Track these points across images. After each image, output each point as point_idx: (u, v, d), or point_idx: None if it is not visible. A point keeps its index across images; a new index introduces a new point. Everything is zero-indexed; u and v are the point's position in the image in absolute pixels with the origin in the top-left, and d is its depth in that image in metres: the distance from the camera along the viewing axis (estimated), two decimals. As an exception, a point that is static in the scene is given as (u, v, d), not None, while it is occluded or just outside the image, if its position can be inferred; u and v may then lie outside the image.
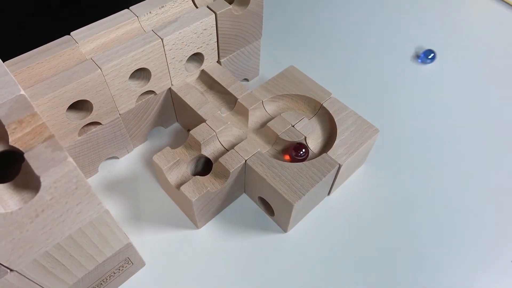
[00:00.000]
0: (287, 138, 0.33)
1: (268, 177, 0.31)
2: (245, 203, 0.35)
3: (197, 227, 0.34)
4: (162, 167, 0.31)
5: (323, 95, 0.36)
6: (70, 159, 0.18)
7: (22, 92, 0.20)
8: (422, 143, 0.40)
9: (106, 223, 0.24)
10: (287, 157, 0.33)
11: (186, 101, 0.35)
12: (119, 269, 0.29)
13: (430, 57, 0.34)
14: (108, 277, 0.29)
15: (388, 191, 0.36)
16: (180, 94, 0.36)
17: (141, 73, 0.33)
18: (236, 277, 0.31)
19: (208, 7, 0.34)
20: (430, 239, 0.34)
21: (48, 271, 0.23)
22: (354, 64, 0.47)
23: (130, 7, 0.34)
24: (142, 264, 0.31)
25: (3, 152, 0.20)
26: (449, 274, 0.32)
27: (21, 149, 0.19)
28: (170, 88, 0.36)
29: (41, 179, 0.17)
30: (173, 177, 0.32)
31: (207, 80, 0.38)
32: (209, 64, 0.38)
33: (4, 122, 0.19)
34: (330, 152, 0.32)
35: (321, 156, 0.32)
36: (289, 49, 0.48)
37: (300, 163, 0.31)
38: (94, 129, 0.33)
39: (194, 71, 0.37)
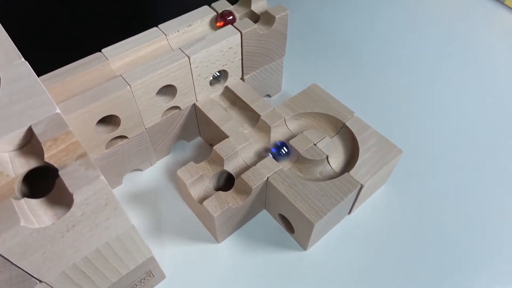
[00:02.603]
0: (309, 157, 0.33)
1: (290, 195, 0.31)
2: (265, 219, 0.36)
3: (218, 241, 0.34)
4: (185, 181, 0.32)
5: (345, 113, 0.36)
6: (102, 177, 0.19)
7: (58, 110, 0.21)
8: (445, 164, 0.39)
9: (132, 238, 0.24)
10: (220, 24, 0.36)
11: (210, 117, 0.36)
12: (141, 282, 0.30)
13: (283, 151, 0.31)
14: (131, 289, 0.29)
15: (409, 211, 0.36)
16: (204, 110, 0.36)
17: (168, 89, 0.34)
18: (254, 293, 0.32)
19: (234, 26, 0.35)
20: (451, 261, 0.33)
21: (74, 283, 0.23)
22: (378, 83, 0.47)
23: (159, 25, 0.35)
24: (162, 276, 0.32)
25: (38, 168, 0.21)
26: (472, 300, 0.31)
27: (55, 165, 0.20)
28: (194, 104, 0.37)
29: (74, 197, 0.18)
30: (196, 192, 0.32)
31: (230, 96, 0.39)
32: (233, 81, 0.38)
33: (40, 139, 0.20)
34: (352, 172, 0.32)
35: (343, 175, 0.32)
36: (312, 66, 0.48)
37: (322, 183, 0.32)
38: (120, 142, 0.34)
39: (218, 87, 0.38)
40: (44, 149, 0.20)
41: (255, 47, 0.37)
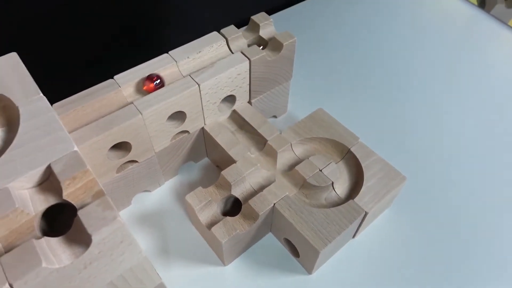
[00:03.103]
0: (315, 183, 0.34)
1: (296, 222, 0.31)
2: (270, 241, 0.36)
3: (224, 265, 0.35)
4: (194, 207, 0.32)
5: (350, 139, 0.37)
6: (119, 218, 0.20)
7: (76, 148, 0.22)
8: (448, 188, 0.40)
9: (143, 267, 0.25)
10: (148, 87, 0.33)
11: (217, 141, 0.37)
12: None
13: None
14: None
15: (413, 234, 0.37)
16: (212, 134, 0.37)
17: (177, 115, 0.35)
18: (260, 317, 0.32)
19: (242, 53, 0.36)
20: (456, 282, 0.34)
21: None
22: (382, 107, 0.47)
23: (169, 52, 0.36)
24: (170, 300, 0.33)
25: (54, 205, 0.22)
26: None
27: (73, 202, 0.21)
28: (203, 127, 0.38)
29: (93, 237, 0.19)
30: (204, 217, 0.33)
31: (237, 119, 0.39)
32: (240, 105, 0.39)
33: (59, 178, 0.21)
34: (356, 199, 0.33)
35: (347, 203, 0.33)
36: (317, 87, 0.49)
37: (327, 209, 0.32)
38: (131, 166, 0.35)
39: (225, 111, 0.39)
40: (63, 188, 0.21)
41: (263, 73, 0.38)
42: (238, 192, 0.34)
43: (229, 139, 0.37)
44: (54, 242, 0.20)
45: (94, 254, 0.20)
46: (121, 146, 0.34)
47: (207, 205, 0.33)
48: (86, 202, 0.21)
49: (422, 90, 0.49)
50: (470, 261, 0.35)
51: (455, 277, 0.34)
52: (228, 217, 0.32)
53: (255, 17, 0.39)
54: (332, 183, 0.34)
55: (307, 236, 0.31)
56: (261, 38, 0.39)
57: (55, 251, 0.19)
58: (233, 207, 0.36)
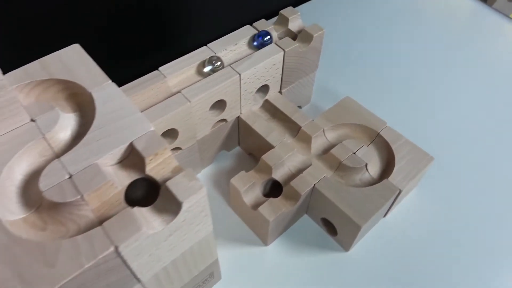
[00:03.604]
0: (350, 165, 0.36)
1: (336, 200, 0.34)
2: (306, 223, 0.38)
3: (266, 244, 0.37)
4: (240, 189, 0.34)
5: (378, 124, 0.39)
6: (204, 187, 0.21)
7: (153, 128, 0.24)
8: (472, 167, 0.43)
9: (208, 241, 0.27)
10: None
11: (254, 128, 0.39)
12: (204, 282, 0.32)
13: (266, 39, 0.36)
14: (196, 288, 0.32)
15: (440, 212, 0.39)
16: (248, 122, 0.39)
17: (218, 104, 0.37)
18: (304, 291, 0.34)
19: (277, 44, 0.38)
20: (482, 258, 0.36)
21: (161, 283, 0.26)
22: (396, 99, 0.50)
23: (208, 44, 0.38)
24: (219, 278, 0.34)
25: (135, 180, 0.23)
26: (502, 294, 0.34)
27: (155, 177, 0.23)
28: (239, 116, 0.40)
29: (183, 205, 0.21)
30: (248, 198, 0.35)
31: (270, 108, 0.41)
32: (272, 94, 0.41)
33: (143, 155, 0.22)
34: (390, 178, 0.35)
35: (382, 182, 0.35)
36: (340, 78, 0.51)
37: (364, 188, 0.34)
38: (174, 154, 0.37)
39: (259, 101, 0.41)
40: (146, 163, 0.23)
41: (294, 63, 0.40)
42: (278, 175, 0.36)
43: (265, 127, 0.39)
44: (145, 211, 0.21)
45: (180, 221, 0.22)
46: (167, 135, 0.35)
47: (251, 188, 0.35)
48: (166, 177, 0.23)
49: (433, 79, 0.52)
50: (496, 238, 0.38)
51: (481, 254, 0.37)
52: (272, 198, 0.34)
53: (283, 11, 0.41)
54: (366, 165, 0.37)
55: (348, 213, 0.33)
56: (289, 31, 0.41)
57: (146, 219, 0.21)
58: (271, 190, 0.38)
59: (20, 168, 0.23)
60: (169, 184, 0.21)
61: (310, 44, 0.40)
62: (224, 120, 0.39)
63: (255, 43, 0.38)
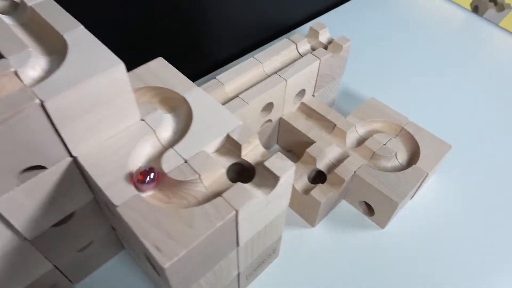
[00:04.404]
0: (383, 154, 0.42)
1: (375, 183, 0.40)
2: (344, 207, 0.44)
3: (313, 226, 0.42)
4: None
5: (402, 119, 0.46)
6: (294, 165, 0.27)
7: (241, 122, 0.30)
8: (485, 154, 0.49)
9: (282, 216, 0.32)
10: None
11: (297, 127, 0.45)
12: (268, 257, 0.37)
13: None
14: (261, 263, 0.37)
15: (459, 195, 0.45)
16: (290, 121, 0.45)
17: (267, 106, 0.43)
18: (350, 265, 0.40)
19: (313, 54, 0.44)
20: (497, 233, 0.42)
21: (245, 251, 0.31)
22: (413, 93, 0.57)
23: (254, 56, 0.44)
24: (277, 255, 0.40)
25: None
26: (517, 257, 0.40)
27: (249, 160, 0.29)
28: (281, 117, 0.46)
29: (280, 179, 0.26)
30: (298, 185, 0.41)
31: (305, 110, 0.47)
32: (307, 97, 0.47)
33: (240, 143, 0.28)
34: (418, 164, 0.41)
35: (411, 167, 0.41)
36: (359, 81, 0.58)
37: (396, 173, 0.41)
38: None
39: (296, 103, 0.47)
40: (242, 149, 0.28)
41: (326, 70, 0.46)
42: (321, 165, 0.42)
43: (305, 125, 0.45)
44: (247, 186, 0.27)
45: (276, 193, 0.27)
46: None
47: (300, 177, 0.41)
48: (257, 160, 0.28)
49: (438, 81, 0.59)
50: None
51: (498, 235, 0.43)
52: (320, 184, 0.40)
53: (314, 26, 0.47)
54: (396, 154, 0.43)
55: (386, 193, 0.39)
56: (320, 42, 0.47)
57: (250, 191, 0.27)
58: (313, 180, 0.44)
59: (139, 157, 0.28)
60: (266, 163, 0.27)
61: (340, 53, 0.46)
62: (269, 120, 0.45)
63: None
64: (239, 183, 0.26)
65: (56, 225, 0.31)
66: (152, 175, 0.25)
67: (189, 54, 0.57)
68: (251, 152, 0.29)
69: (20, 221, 0.27)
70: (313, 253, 0.41)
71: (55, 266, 0.34)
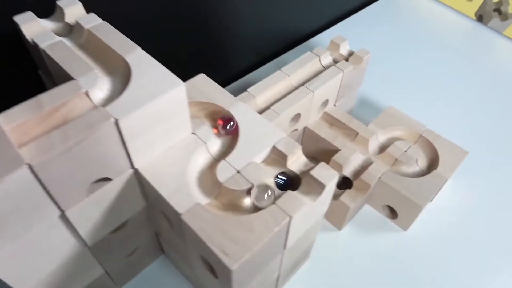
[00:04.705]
0: (404, 160, 0.45)
1: (399, 188, 0.42)
2: (367, 210, 0.47)
3: (339, 229, 0.45)
4: (321, 184, 0.42)
5: (420, 127, 0.48)
6: (337, 174, 0.30)
7: (285, 134, 0.32)
8: (500, 161, 0.52)
9: (319, 220, 0.35)
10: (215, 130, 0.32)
11: (321, 136, 0.47)
12: (302, 259, 0.40)
13: None
14: (296, 265, 0.39)
15: (476, 198, 0.48)
16: (315, 130, 0.48)
17: (295, 116, 0.45)
18: (377, 265, 0.42)
19: (336, 66, 0.47)
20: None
21: (289, 254, 0.33)
22: (426, 102, 0.59)
23: (281, 69, 0.46)
24: (308, 257, 0.42)
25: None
26: (532, 256, 0.43)
27: (293, 170, 0.31)
28: (305, 126, 0.48)
29: (326, 187, 0.29)
30: (326, 192, 0.43)
31: (328, 119, 0.50)
32: (329, 107, 0.50)
33: (286, 153, 0.30)
34: (438, 170, 0.44)
35: (432, 173, 0.44)
36: (378, 90, 0.61)
37: (418, 178, 0.43)
38: (261, 158, 0.44)
39: (320, 113, 0.49)
40: (288, 160, 0.31)
41: (348, 81, 0.49)
42: (347, 172, 0.45)
43: (330, 134, 0.47)
44: (296, 194, 0.29)
45: (321, 200, 0.30)
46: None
47: (328, 183, 0.43)
48: (302, 169, 0.31)
49: (449, 90, 0.62)
50: (518, 211, 0.47)
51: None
52: (347, 189, 0.42)
53: (335, 39, 0.50)
54: (416, 160, 0.45)
55: (410, 197, 0.41)
56: (340, 54, 0.50)
57: (301, 200, 0.29)
58: (339, 186, 0.46)
59: (194, 168, 0.31)
60: (313, 172, 0.29)
61: (360, 65, 0.49)
62: (296, 129, 0.47)
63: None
64: (289, 191, 0.29)
65: (112, 232, 0.33)
66: (231, 123, 0.30)
67: (208, 66, 0.59)
68: (296, 162, 0.31)
69: (84, 229, 0.30)
70: (341, 255, 0.43)
71: (105, 271, 0.36)
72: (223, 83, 0.61)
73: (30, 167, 0.23)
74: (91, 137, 0.25)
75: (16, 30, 0.33)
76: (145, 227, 0.36)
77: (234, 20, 0.57)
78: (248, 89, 0.44)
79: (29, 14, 0.33)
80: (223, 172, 0.29)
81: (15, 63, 0.40)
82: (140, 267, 0.40)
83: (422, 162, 0.46)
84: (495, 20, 0.73)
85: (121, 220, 0.32)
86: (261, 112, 0.42)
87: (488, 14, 0.73)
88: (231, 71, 0.64)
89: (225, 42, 0.59)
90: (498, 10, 0.72)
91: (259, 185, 0.29)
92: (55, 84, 0.34)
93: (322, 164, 0.30)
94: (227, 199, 0.29)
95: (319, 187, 0.29)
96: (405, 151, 0.46)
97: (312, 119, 0.48)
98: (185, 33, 0.52)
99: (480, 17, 0.75)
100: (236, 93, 0.41)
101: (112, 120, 0.25)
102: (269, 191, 0.28)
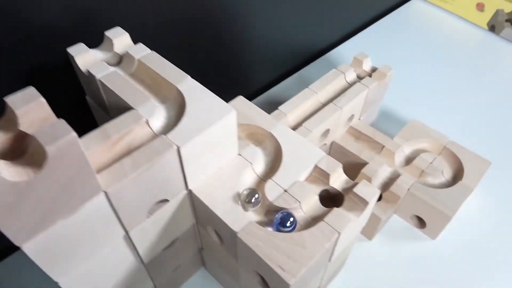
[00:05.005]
0: (430, 172, 0.47)
1: (428, 199, 0.44)
2: (394, 220, 0.49)
3: (370, 239, 0.47)
4: (353, 197, 0.44)
5: (443, 139, 0.50)
6: (379, 191, 0.32)
7: (324, 153, 0.34)
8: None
9: (358, 233, 0.37)
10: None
11: (349, 149, 0.49)
12: (338, 269, 0.42)
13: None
14: (334, 275, 0.41)
15: (498, 208, 0.50)
16: (342, 144, 0.50)
17: (324, 132, 0.47)
18: (408, 273, 0.44)
19: (361, 83, 0.49)
20: (536, 238, 0.47)
21: (331, 265, 0.35)
22: (444, 114, 0.61)
23: (309, 86, 0.48)
24: (343, 267, 0.44)
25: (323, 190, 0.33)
26: (557, 262, 0.45)
27: (335, 187, 0.33)
28: (333, 141, 0.50)
29: (369, 205, 0.31)
30: (357, 204, 0.45)
31: (354, 133, 0.52)
32: (354, 121, 0.52)
33: (329, 172, 0.33)
34: (463, 181, 0.46)
35: (458, 184, 0.46)
36: (400, 103, 0.63)
37: (445, 189, 0.45)
38: (293, 173, 0.47)
39: (346, 127, 0.52)
40: (330, 177, 0.33)
41: (372, 96, 0.51)
42: (375, 184, 0.46)
43: (357, 147, 0.49)
44: (341, 210, 0.31)
45: (364, 216, 0.32)
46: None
47: (358, 195, 0.45)
48: (343, 186, 0.33)
49: (464, 99, 0.63)
50: (542, 218, 0.49)
51: (535, 230, 0.47)
52: (378, 202, 0.44)
53: (357, 56, 0.52)
54: (442, 171, 0.47)
55: (440, 208, 0.43)
56: (363, 70, 0.52)
57: (345, 216, 0.31)
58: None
59: (242, 187, 0.33)
60: (355, 190, 0.31)
61: (384, 80, 0.51)
62: (325, 144, 0.49)
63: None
64: (335, 209, 0.31)
65: (164, 248, 0.35)
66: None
67: (230, 82, 0.61)
68: (337, 180, 0.33)
69: (143, 247, 0.32)
70: (374, 264, 0.45)
71: (154, 285, 0.38)
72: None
73: (106, 194, 0.25)
74: (157, 163, 0.27)
75: (66, 60, 0.35)
76: (191, 243, 0.38)
77: (254, 38, 0.59)
78: (280, 107, 0.46)
79: (81, 46, 0.35)
80: (271, 191, 0.31)
81: (65, 89, 0.42)
82: (183, 279, 0.42)
83: (447, 173, 0.48)
84: (508, 30, 0.75)
85: (173, 237, 0.34)
86: (293, 129, 0.44)
87: (500, 24, 0.75)
88: (253, 87, 0.67)
89: (246, 58, 0.61)
90: (510, 21, 0.74)
91: (246, 188, 0.31)
92: (104, 109, 0.36)
93: (364, 182, 0.32)
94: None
95: (362, 203, 0.31)
96: (431, 162, 0.48)
97: (339, 133, 0.50)
98: (208, 52, 0.55)
99: (492, 27, 0.77)
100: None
101: (175, 147, 0.27)
102: (256, 195, 0.30)
